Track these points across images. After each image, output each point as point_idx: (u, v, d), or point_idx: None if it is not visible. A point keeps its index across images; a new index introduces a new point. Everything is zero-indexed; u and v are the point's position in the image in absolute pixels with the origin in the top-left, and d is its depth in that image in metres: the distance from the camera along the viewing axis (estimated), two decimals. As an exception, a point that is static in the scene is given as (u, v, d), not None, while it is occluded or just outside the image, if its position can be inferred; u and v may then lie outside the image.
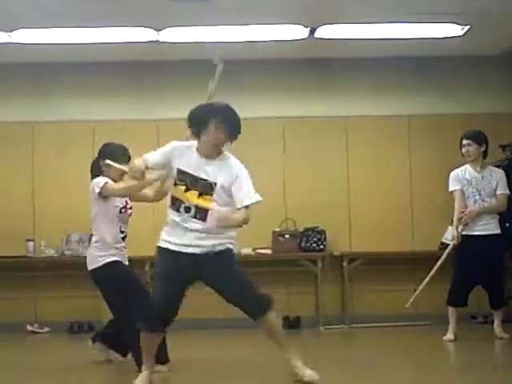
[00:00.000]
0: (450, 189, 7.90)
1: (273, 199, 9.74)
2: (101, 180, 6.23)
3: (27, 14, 8.01)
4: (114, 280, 6.21)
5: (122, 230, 6.39)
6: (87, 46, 8.92)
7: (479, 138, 7.82)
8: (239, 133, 5.46)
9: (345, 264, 9.50)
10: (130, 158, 6.26)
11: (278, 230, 9.69)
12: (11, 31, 8.48)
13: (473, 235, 7.73)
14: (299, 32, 8.70)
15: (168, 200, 5.48)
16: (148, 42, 8.80)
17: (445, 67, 9.87)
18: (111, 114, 9.77)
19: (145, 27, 8.49)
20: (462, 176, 7.85)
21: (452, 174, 7.92)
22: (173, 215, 5.38)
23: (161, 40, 8.76)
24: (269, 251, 9.61)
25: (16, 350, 8.16)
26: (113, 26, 8.48)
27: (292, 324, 9.51)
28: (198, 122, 5.47)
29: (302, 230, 9.69)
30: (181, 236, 5.35)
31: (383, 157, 9.91)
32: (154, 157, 5.49)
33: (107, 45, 8.90)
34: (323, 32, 8.72)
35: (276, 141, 9.90)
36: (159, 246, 5.46)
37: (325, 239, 9.63)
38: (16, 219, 9.68)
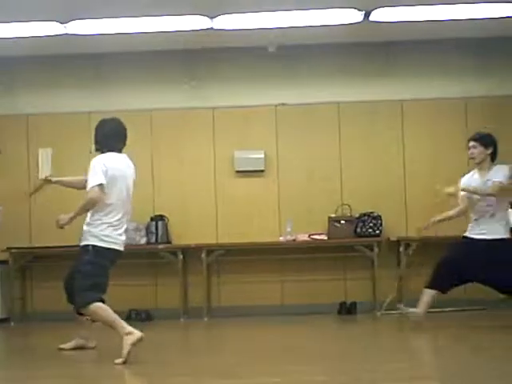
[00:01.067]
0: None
1: (328, 185, 9.76)
2: None
3: (82, 5, 8.10)
4: None
5: None
6: (142, 35, 8.97)
7: (485, 140, 7.52)
8: None
9: (401, 249, 9.43)
10: None
11: (333, 215, 9.66)
12: (67, 22, 8.57)
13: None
14: (353, 16, 8.63)
15: None
16: (202, 29, 8.81)
17: (505, 48, 9.73)
18: (168, 103, 9.83)
19: (199, 15, 8.50)
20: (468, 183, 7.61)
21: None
22: None
23: (215, 27, 8.76)
24: (324, 237, 9.60)
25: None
26: (167, 15, 8.51)
27: (349, 309, 9.50)
28: None
29: (357, 215, 9.66)
30: None
31: (440, 140, 9.79)
32: None
33: (162, 34, 8.94)
34: (378, 15, 8.63)
35: (331, 126, 9.86)
36: None
37: (381, 224, 9.59)
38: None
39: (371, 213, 9.61)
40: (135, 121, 9.84)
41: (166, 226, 9.65)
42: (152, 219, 9.70)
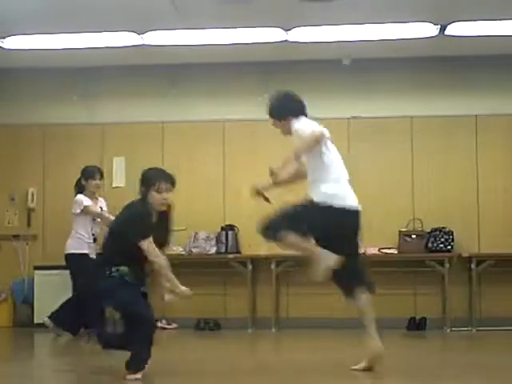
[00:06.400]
0: None
1: (400, 199, 9.70)
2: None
3: (160, 16, 8.21)
4: None
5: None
6: (217, 46, 9.06)
7: None
8: None
9: (473, 265, 9.29)
10: (102, 174, 8.84)
11: (404, 230, 9.60)
12: (144, 33, 8.70)
13: None
14: (429, 30, 8.58)
15: None
16: (277, 42, 8.85)
17: None
18: (241, 114, 9.88)
19: (274, 27, 8.55)
20: None
21: None
22: None
23: (290, 40, 8.80)
24: (395, 251, 9.54)
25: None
26: (242, 27, 8.58)
27: (418, 325, 9.40)
28: None
29: (429, 230, 9.57)
30: None
31: (515, 156, 9.67)
32: None
33: (237, 46, 9.02)
34: (454, 29, 8.57)
35: (404, 140, 9.80)
36: None
37: (452, 240, 9.47)
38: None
39: (443, 228, 9.51)
40: (208, 131, 9.99)
41: (236, 236, 9.70)
42: (222, 229, 9.76)
